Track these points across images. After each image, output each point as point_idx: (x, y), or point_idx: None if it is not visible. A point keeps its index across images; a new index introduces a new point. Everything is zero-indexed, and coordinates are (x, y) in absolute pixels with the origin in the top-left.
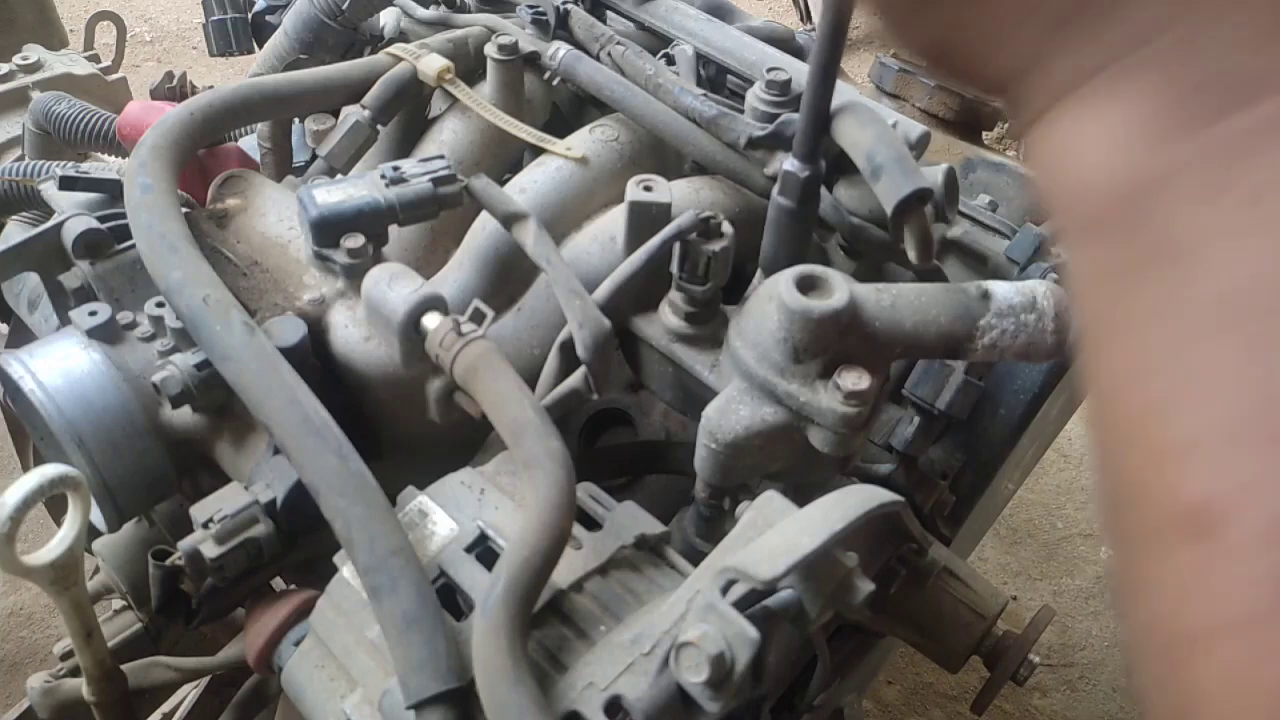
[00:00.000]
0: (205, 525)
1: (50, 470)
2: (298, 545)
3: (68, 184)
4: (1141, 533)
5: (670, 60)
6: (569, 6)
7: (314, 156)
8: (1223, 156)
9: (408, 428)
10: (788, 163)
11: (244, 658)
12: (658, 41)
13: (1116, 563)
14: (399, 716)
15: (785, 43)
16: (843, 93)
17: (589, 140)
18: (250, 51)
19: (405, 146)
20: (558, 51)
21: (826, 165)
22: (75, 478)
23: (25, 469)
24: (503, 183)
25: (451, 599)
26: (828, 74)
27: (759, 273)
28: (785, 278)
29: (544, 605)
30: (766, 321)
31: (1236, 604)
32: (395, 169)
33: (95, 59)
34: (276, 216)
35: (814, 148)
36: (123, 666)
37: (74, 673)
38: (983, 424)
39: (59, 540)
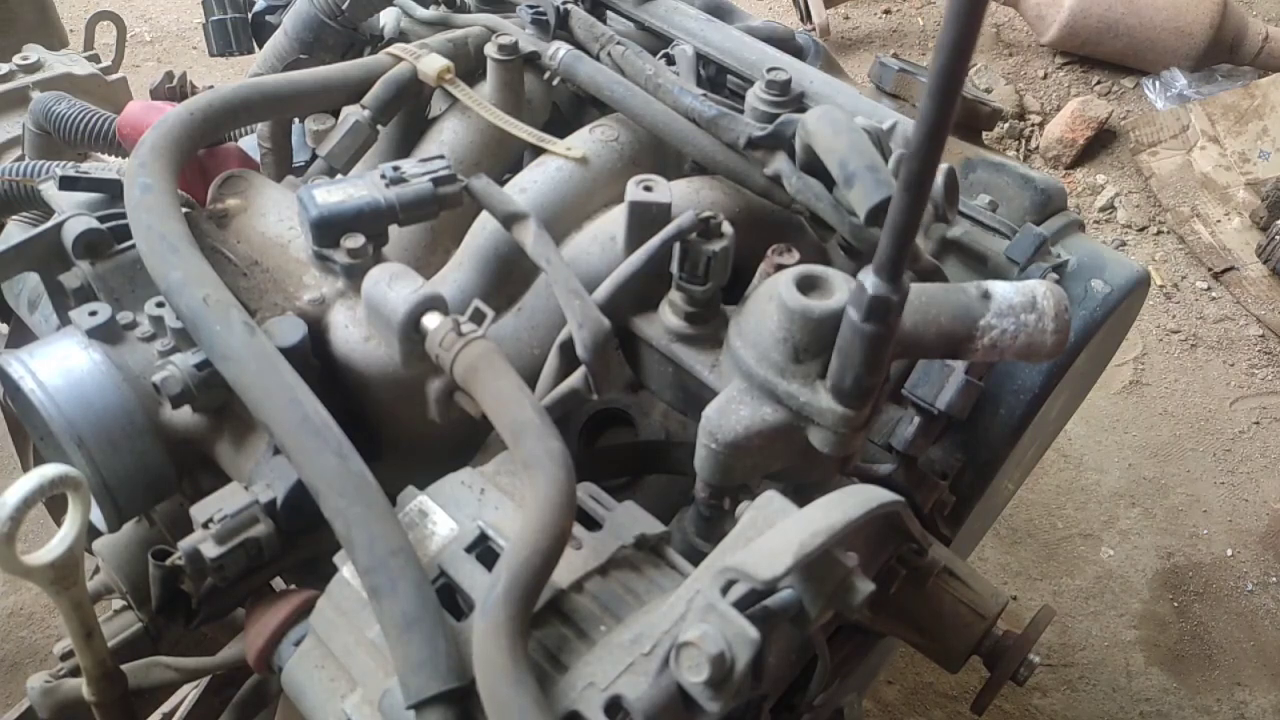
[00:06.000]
0: (205, 525)
1: (50, 470)
2: (298, 545)
3: (68, 184)
4: None
5: (670, 60)
6: (569, 6)
7: (314, 156)
8: None
9: (408, 428)
10: (868, 283)
11: (244, 658)
12: (658, 41)
13: None
14: (399, 716)
15: (785, 43)
16: (837, 92)
17: (589, 140)
18: (250, 51)
19: (405, 146)
20: (558, 51)
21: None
22: (75, 478)
23: (25, 469)
24: (503, 183)
25: (451, 599)
26: (920, 187)
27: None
28: (785, 278)
29: (544, 605)
30: (766, 321)
31: None
32: (395, 169)
33: (95, 59)
34: (276, 216)
35: (898, 266)
36: (123, 666)
37: (74, 673)
38: (983, 424)
39: (59, 540)
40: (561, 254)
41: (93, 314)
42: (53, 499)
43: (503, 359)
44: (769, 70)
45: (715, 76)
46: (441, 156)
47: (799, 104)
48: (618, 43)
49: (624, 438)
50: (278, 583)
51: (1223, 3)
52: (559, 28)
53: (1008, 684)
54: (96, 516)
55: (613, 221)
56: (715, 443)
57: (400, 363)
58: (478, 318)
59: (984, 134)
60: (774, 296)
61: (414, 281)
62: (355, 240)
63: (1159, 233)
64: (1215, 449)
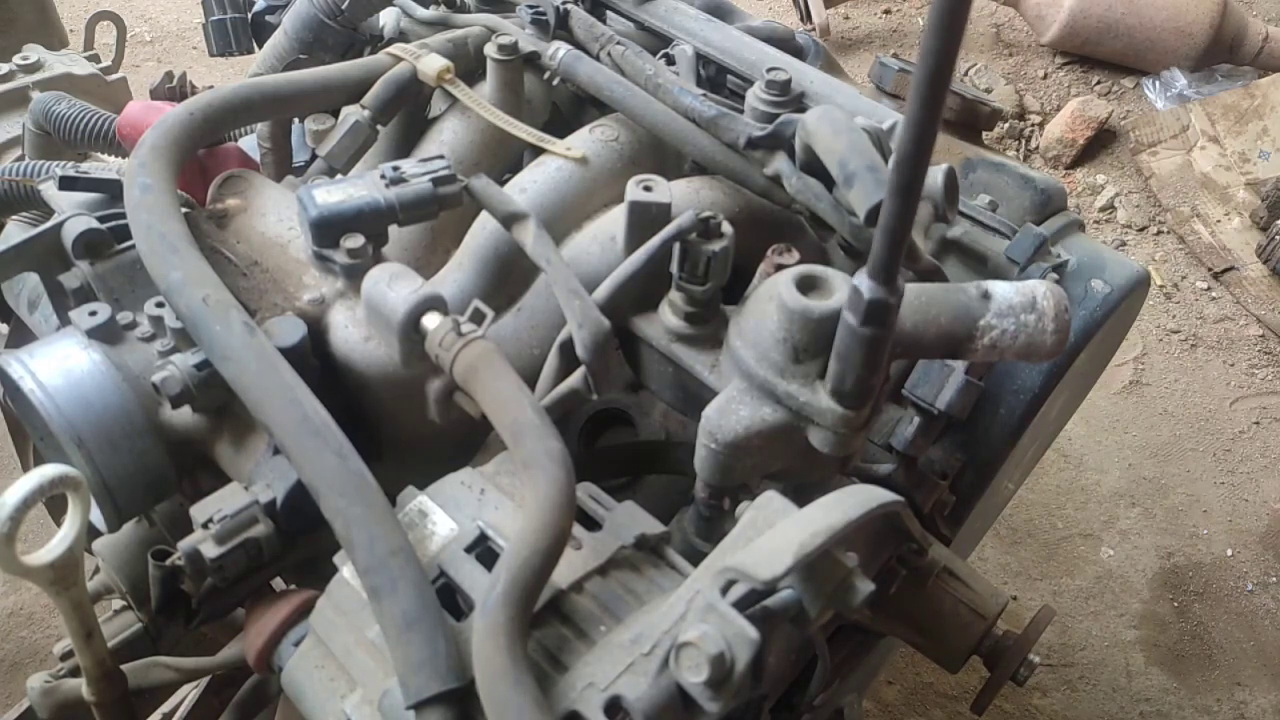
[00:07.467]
0: (205, 525)
1: (50, 470)
2: (298, 545)
3: (68, 184)
4: None
5: (670, 60)
6: (569, 6)
7: (314, 156)
8: None
9: (408, 428)
10: (864, 287)
11: (244, 658)
12: (658, 41)
13: None
14: (399, 716)
15: (785, 43)
16: (837, 92)
17: (589, 140)
18: (250, 51)
19: (405, 146)
20: (558, 51)
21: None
22: (75, 478)
23: (25, 469)
24: (503, 183)
25: (451, 599)
26: (911, 190)
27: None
28: (785, 278)
29: (544, 605)
30: (766, 321)
31: None
32: (395, 169)
33: (95, 59)
34: (276, 216)
35: (892, 269)
36: (123, 666)
37: (74, 673)
38: (983, 424)
39: (59, 540)
40: (561, 254)
41: (93, 314)
42: (53, 499)
43: (503, 359)
44: (769, 70)
45: (715, 76)
46: (441, 156)
47: (799, 104)
48: (618, 43)
49: (624, 438)
50: (278, 583)
51: (1223, 3)
52: (559, 28)
53: (1008, 684)
54: (96, 516)
55: (613, 221)
56: (715, 443)
57: (400, 363)
58: (478, 318)
59: (984, 134)
60: (774, 296)
61: (414, 281)
62: (355, 240)
63: (1159, 233)
64: (1215, 449)
